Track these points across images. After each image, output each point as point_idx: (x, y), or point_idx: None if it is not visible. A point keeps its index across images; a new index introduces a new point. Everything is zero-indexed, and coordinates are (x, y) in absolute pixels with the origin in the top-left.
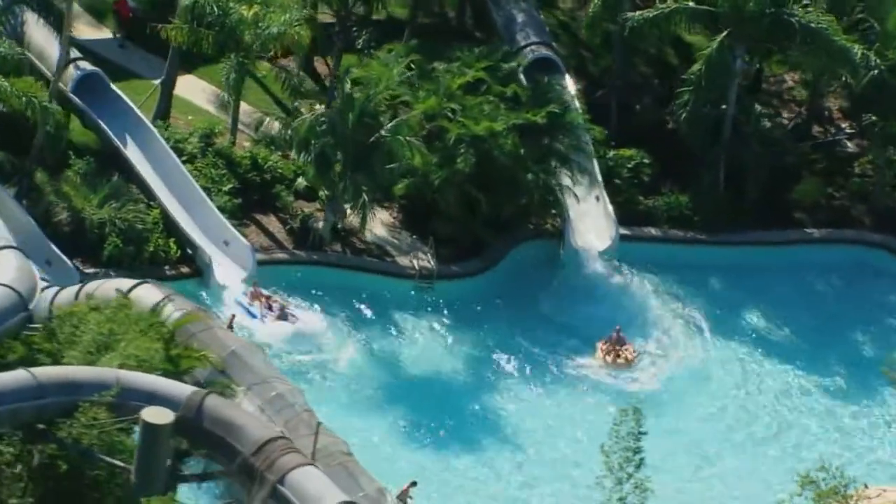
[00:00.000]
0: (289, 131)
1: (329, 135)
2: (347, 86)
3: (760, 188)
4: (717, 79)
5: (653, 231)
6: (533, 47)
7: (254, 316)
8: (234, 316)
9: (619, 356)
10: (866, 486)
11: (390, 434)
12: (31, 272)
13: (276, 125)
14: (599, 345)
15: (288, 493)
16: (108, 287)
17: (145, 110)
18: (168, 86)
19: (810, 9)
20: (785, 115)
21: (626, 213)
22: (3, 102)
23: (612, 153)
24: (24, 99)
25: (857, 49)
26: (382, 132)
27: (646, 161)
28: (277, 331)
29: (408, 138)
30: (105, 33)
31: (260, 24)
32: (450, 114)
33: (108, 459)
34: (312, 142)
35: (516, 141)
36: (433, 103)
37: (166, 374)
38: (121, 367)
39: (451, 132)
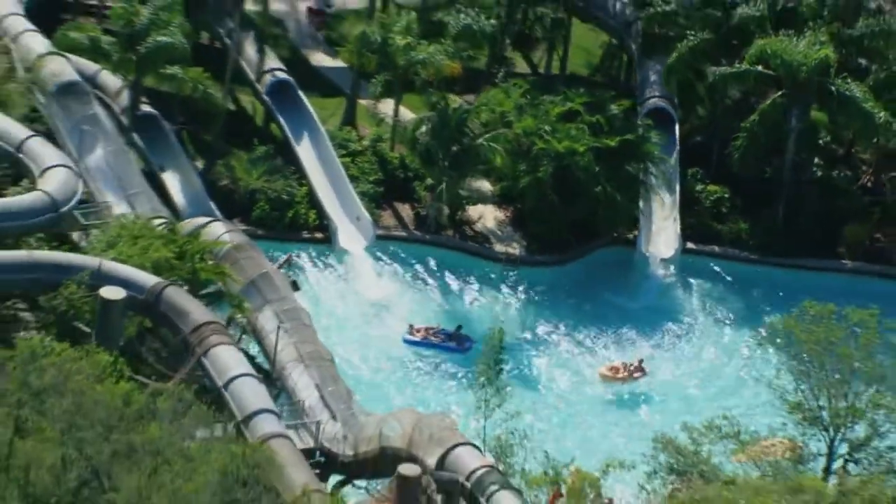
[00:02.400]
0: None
1: (429, 136)
2: (453, 102)
3: (812, 225)
4: (770, 130)
5: (715, 248)
6: (655, 99)
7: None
8: (290, 255)
9: (628, 374)
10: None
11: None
12: (73, 186)
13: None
14: (621, 368)
15: (207, 363)
16: (194, 223)
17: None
18: (351, 100)
19: (848, 80)
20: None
21: (698, 233)
22: (177, 87)
23: (699, 186)
24: (191, 84)
25: (883, 115)
26: (480, 140)
27: (726, 196)
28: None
29: (492, 144)
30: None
31: (411, 52)
32: (542, 133)
33: (77, 324)
34: (418, 140)
35: (591, 159)
36: (530, 123)
37: (187, 280)
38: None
39: (536, 146)
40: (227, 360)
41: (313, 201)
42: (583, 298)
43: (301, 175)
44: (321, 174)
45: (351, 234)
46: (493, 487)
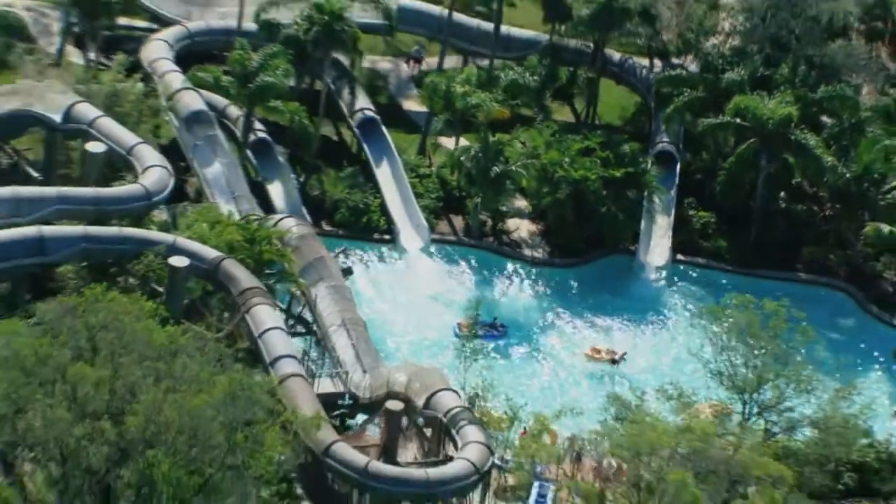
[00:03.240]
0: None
1: (472, 161)
2: (490, 136)
3: (777, 246)
4: (744, 170)
5: (699, 260)
6: (663, 144)
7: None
8: (345, 248)
9: (606, 355)
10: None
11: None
12: (165, 182)
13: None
14: (603, 351)
15: (248, 318)
16: (273, 218)
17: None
18: (424, 135)
19: (806, 132)
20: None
21: (687, 248)
22: (278, 117)
23: (692, 211)
24: (289, 116)
25: (831, 160)
26: (512, 166)
27: (712, 220)
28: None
29: (521, 170)
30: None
31: (468, 98)
32: (563, 164)
33: (153, 285)
34: (463, 164)
35: (600, 186)
36: (555, 155)
37: (253, 259)
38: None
39: (557, 174)
40: (263, 316)
41: (384, 210)
42: (589, 295)
43: (377, 190)
44: (393, 190)
45: (411, 236)
46: (463, 422)
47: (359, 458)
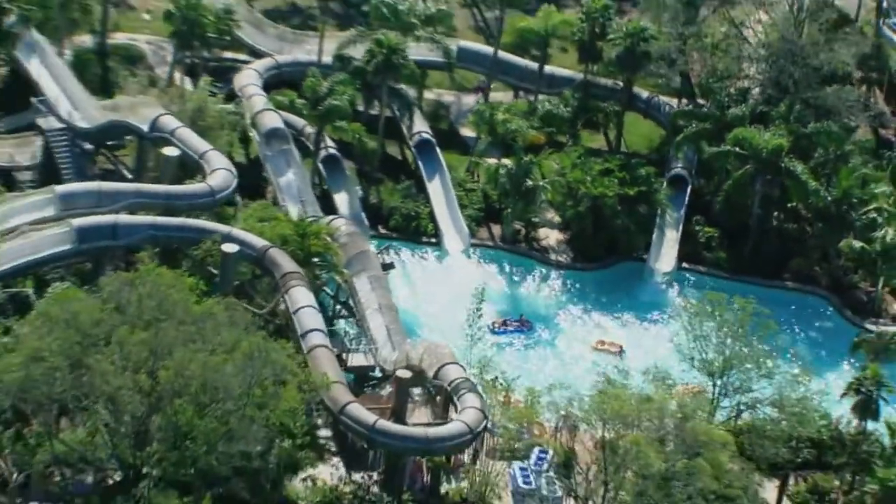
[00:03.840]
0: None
1: (506, 177)
2: (523, 155)
3: (769, 258)
4: (741, 192)
5: (701, 268)
6: (677, 169)
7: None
8: (388, 246)
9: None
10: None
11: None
12: (229, 183)
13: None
14: (607, 343)
15: (286, 298)
16: (327, 219)
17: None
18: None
19: (794, 160)
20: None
21: (691, 257)
22: (342, 136)
23: (699, 227)
24: (351, 134)
25: (814, 185)
26: (540, 182)
27: (715, 235)
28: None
29: (546, 185)
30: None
31: (508, 124)
32: (585, 182)
33: (209, 267)
34: (499, 179)
35: (616, 202)
36: (578, 174)
37: (302, 250)
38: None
39: (580, 190)
40: (298, 296)
41: (432, 217)
42: (604, 295)
43: (427, 200)
44: (441, 201)
45: (453, 240)
46: (463, 390)
47: (368, 417)
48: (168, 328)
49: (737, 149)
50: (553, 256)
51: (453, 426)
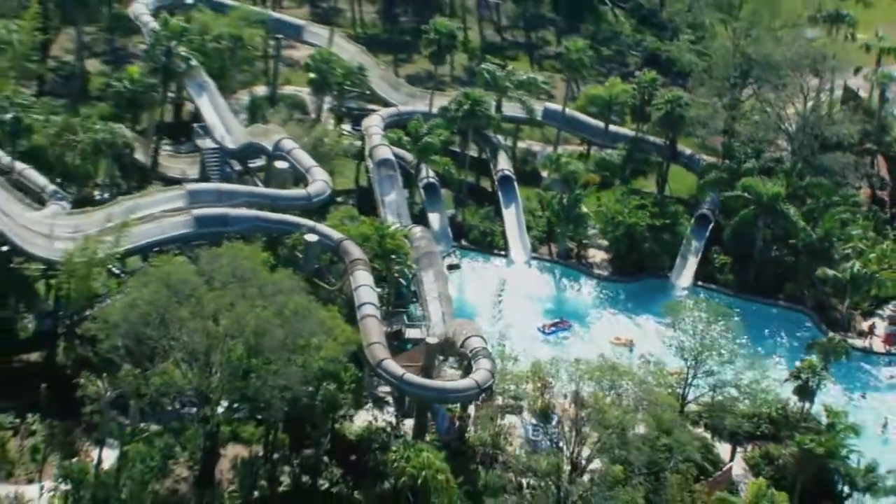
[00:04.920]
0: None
1: (559, 206)
2: (574, 190)
3: (768, 281)
4: (744, 228)
5: (713, 286)
6: (703, 209)
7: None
8: (454, 250)
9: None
10: None
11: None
12: (324, 190)
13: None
14: (623, 339)
15: (351, 278)
16: (410, 227)
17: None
18: None
19: (788, 204)
20: None
21: (706, 277)
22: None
23: (716, 255)
24: (441, 166)
25: (802, 225)
26: (586, 210)
27: (727, 262)
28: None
29: (591, 213)
30: None
31: (568, 167)
32: (623, 213)
33: (297, 253)
34: (553, 206)
35: (645, 230)
36: (618, 207)
37: (380, 247)
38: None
39: (618, 219)
40: (360, 278)
41: (503, 235)
42: (632, 302)
43: (501, 221)
44: (513, 223)
45: (518, 253)
46: (480, 357)
47: (398, 370)
48: (235, 288)
49: (745, 194)
50: (596, 270)
51: (465, 382)
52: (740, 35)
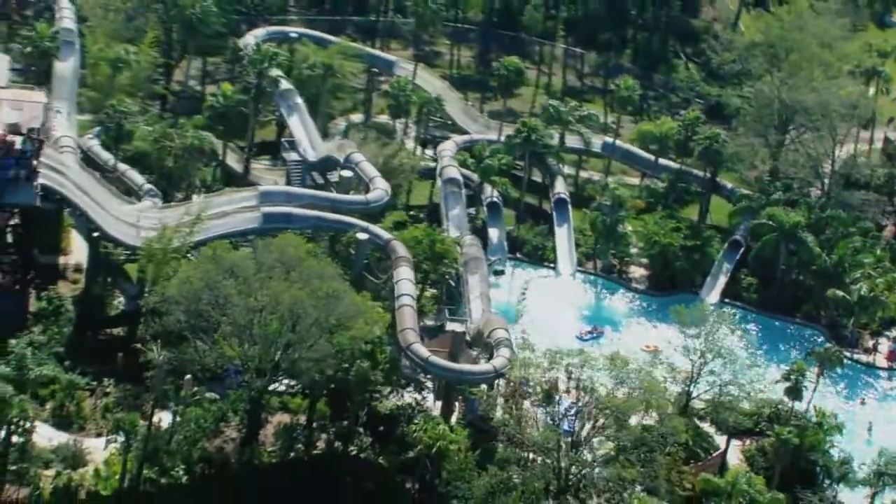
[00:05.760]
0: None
1: (602, 225)
2: (617, 212)
3: (788, 302)
4: (767, 252)
5: (738, 303)
6: (734, 235)
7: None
8: (499, 258)
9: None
10: None
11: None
12: (382, 197)
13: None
14: (652, 346)
15: (394, 272)
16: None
17: None
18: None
19: (807, 232)
20: None
21: (732, 295)
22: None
23: (744, 276)
24: (500, 187)
25: (818, 251)
26: (625, 230)
27: (754, 283)
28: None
29: (629, 232)
30: None
31: (615, 192)
32: (659, 233)
33: (350, 250)
34: (596, 226)
35: (678, 249)
36: (655, 228)
37: (431, 250)
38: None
39: (654, 239)
40: (402, 273)
41: (553, 250)
42: (663, 314)
43: (553, 238)
44: (563, 240)
45: (565, 266)
46: (501, 346)
47: (424, 353)
48: (279, 272)
49: (769, 222)
50: (634, 284)
51: (483, 367)
52: (781, 84)
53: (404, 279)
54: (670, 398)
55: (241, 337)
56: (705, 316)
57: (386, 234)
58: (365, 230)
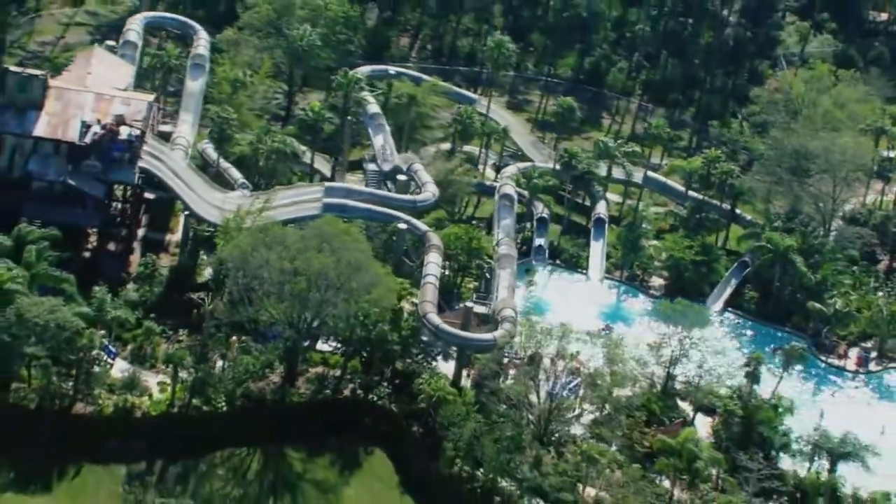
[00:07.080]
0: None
1: (624, 239)
2: (639, 229)
3: (783, 313)
4: (766, 270)
5: (740, 311)
6: (743, 258)
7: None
8: (531, 260)
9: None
10: None
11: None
12: (430, 198)
13: None
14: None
15: (426, 258)
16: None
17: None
18: None
19: (797, 255)
20: None
21: (735, 305)
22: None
23: (747, 291)
24: (544, 203)
25: (806, 271)
26: (647, 245)
27: (756, 297)
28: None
29: (649, 247)
30: None
31: (643, 213)
32: (676, 248)
33: (395, 238)
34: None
35: (689, 263)
36: (671, 245)
37: (468, 245)
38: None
39: (671, 252)
40: (431, 258)
41: (587, 259)
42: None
43: (588, 249)
44: (597, 252)
45: (595, 272)
46: (505, 321)
47: (437, 321)
48: (317, 244)
49: (767, 244)
50: (651, 291)
51: (486, 336)
52: (791, 132)
53: (432, 262)
54: (652, 377)
55: (280, 295)
56: (684, 313)
57: (423, 226)
58: (406, 222)
